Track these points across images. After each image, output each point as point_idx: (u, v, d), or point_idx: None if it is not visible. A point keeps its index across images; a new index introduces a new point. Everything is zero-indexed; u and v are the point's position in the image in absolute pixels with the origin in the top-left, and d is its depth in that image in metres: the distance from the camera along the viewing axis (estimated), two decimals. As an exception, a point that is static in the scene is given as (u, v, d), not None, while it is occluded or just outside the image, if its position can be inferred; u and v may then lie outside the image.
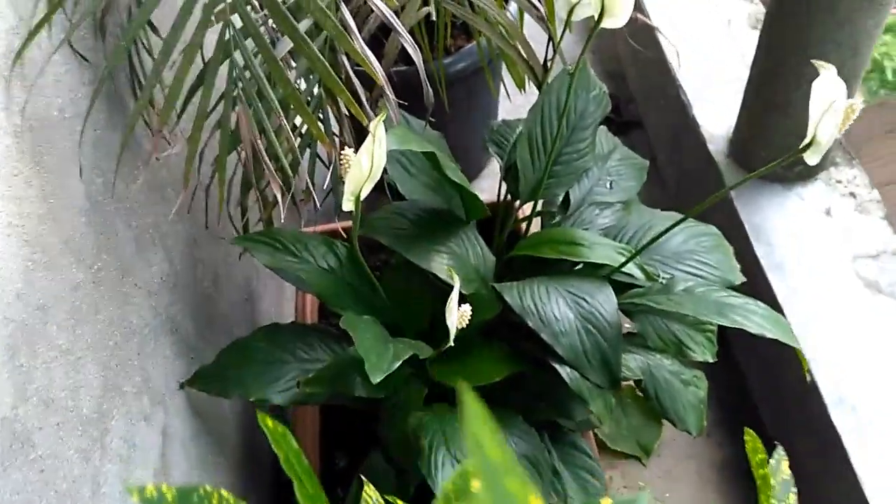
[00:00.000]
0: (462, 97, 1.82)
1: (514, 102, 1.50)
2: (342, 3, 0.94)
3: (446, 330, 0.90)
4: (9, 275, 0.70)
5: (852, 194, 1.58)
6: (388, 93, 0.93)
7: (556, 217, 1.17)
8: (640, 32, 2.03)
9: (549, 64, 1.11)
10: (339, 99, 0.97)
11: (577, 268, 1.10)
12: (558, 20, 1.15)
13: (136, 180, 0.97)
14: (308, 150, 0.98)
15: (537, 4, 1.01)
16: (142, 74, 0.99)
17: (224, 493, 0.62)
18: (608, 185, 1.21)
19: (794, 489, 0.78)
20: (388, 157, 0.83)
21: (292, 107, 0.89)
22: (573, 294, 0.99)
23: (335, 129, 1.00)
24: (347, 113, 0.97)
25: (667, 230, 0.96)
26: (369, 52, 0.85)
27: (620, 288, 1.04)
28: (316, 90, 0.96)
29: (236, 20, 0.82)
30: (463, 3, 1.13)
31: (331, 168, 1.02)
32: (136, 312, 0.98)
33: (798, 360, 1.02)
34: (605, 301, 0.99)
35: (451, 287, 0.88)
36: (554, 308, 0.97)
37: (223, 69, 0.86)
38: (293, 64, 0.99)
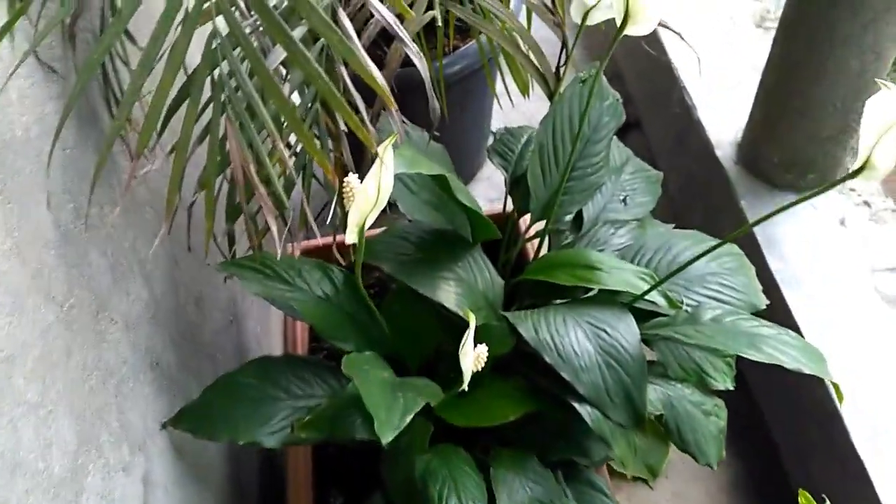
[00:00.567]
0: (455, 100, 1.73)
1: (507, 106, 1.42)
2: (339, 8, 0.86)
3: (452, 361, 0.82)
4: (-36, 328, 0.61)
5: (867, 203, 1.51)
6: (392, 108, 0.85)
7: (567, 236, 1.09)
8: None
9: (561, 72, 1.03)
10: (337, 114, 0.88)
11: (592, 293, 1.02)
12: (569, 25, 1.07)
13: (113, 208, 0.88)
14: (304, 170, 0.89)
15: (551, 8, 0.92)
16: (116, 84, 0.89)
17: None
18: (622, 201, 1.13)
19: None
20: (386, 172, 0.73)
21: (285, 124, 0.80)
22: (592, 325, 0.91)
23: (331, 142, 0.91)
24: (346, 129, 0.88)
25: (698, 257, 0.88)
26: (372, 65, 0.76)
27: (641, 316, 0.96)
28: (309, 104, 0.87)
29: (223, 28, 0.73)
30: (468, 6, 1.05)
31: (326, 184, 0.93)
32: (113, 350, 0.88)
33: (815, 377, 0.95)
34: (626, 332, 0.91)
35: (458, 314, 0.80)
36: (573, 341, 0.89)
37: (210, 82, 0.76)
38: (281, 72, 0.90)
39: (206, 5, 0.68)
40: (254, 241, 0.83)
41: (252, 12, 0.78)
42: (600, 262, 0.97)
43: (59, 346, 0.76)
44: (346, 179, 0.69)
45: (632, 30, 0.87)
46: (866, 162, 0.75)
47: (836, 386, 0.92)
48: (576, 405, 0.89)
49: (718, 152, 1.61)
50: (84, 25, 0.87)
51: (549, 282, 0.97)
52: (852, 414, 1.26)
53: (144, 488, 0.92)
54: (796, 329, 1.36)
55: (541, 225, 1.10)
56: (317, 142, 0.88)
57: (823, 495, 0.76)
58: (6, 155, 0.71)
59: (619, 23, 0.88)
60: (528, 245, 1.19)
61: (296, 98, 0.89)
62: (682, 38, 1.09)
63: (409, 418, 0.72)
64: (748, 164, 1.56)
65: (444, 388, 0.94)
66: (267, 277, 0.95)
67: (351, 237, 0.73)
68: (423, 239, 1.00)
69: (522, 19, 1.11)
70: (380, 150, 0.69)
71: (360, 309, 0.98)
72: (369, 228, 0.76)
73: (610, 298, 0.96)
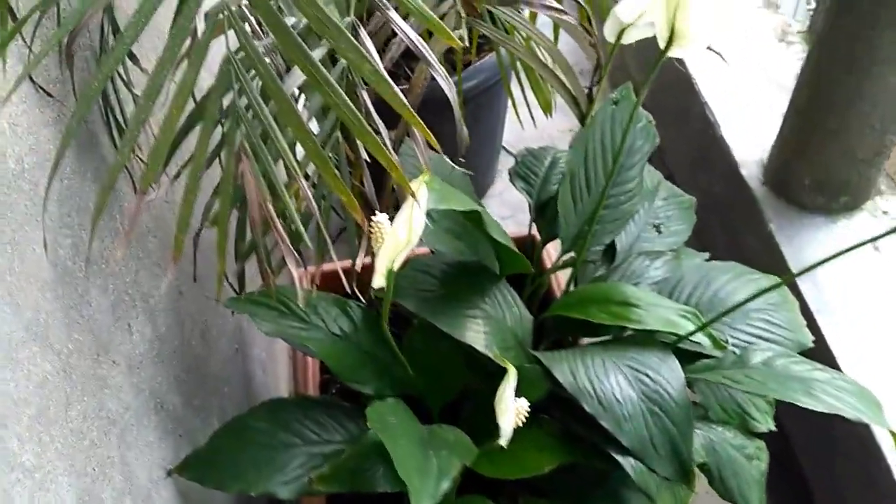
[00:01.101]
0: (468, 115, 1.66)
1: (515, 122, 1.35)
2: (360, 27, 0.79)
3: (478, 402, 0.75)
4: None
5: (901, 226, 1.44)
6: (417, 135, 0.78)
7: (599, 267, 1.02)
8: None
9: (593, 93, 0.96)
10: (358, 141, 0.81)
11: (629, 332, 0.95)
12: (599, 41, 1.01)
13: (115, 239, 0.81)
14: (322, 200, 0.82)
15: (587, 28, 0.85)
16: (117, 105, 0.82)
17: None
18: (656, 229, 1.06)
19: None
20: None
21: (304, 154, 0.73)
22: (634, 369, 0.84)
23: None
24: (368, 158, 0.81)
25: (750, 299, 0.81)
26: (398, 91, 0.70)
27: (683, 356, 0.89)
28: (329, 131, 0.80)
29: (236, 46, 0.66)
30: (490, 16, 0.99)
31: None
32: (115, 396, 0.81)
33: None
34: (671, 376, 0.84)
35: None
36: (613, 387, 0.82)
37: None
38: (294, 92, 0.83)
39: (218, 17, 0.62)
40: (269, 281, 0.76)
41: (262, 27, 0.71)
42: (638, 299, 0.90)
43: (57, 398, 0.69)
44: (374, 220, 0.62)
45: (677, 52, 0.81)
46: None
47: (894, 435, 0.86)
48: (617, 457, 0.82)
49: (744, 172, 1.55)
50: (83, 42, 0.80)
51: (582, 319, 0.90)
52: (879, 431, 1.19)
53: (149, 545, 0.85)
54: (831, 359, 1.29)
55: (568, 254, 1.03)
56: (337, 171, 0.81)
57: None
58: (-1, 191, 0.64)
59: (662, 44, 0.82)
60: (552, 278, 1.12)
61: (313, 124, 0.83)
62: (713, 51, 1.02)
63: (446, 485, 0.65)
64: (776, 185, 1.50)
65: (470, 431, 0.87)
66: (281, 315, 0.89)
67: (379, 281, 0.66)
68: (447, 272, 0.93)
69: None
70: (413, 186, 0.62)
71: (380, 347, 0.91)
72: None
73: (650, 338, 0.89)
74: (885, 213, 1.46)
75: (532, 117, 1.18)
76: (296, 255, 0.65)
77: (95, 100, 0.81)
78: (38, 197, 0.69)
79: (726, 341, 0.91)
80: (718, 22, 0.81)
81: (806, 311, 1.34)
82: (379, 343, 0.91)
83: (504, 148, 2.14)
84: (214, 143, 0.76)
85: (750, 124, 1.62)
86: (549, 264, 1.20)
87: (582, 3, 0.85)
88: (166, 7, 0.63)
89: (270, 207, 0.64)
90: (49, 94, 0.73)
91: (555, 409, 0.89)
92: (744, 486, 0.98)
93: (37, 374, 0.66)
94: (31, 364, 0.65)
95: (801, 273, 0.77)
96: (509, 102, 1.76)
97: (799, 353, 0.93)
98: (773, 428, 0.99)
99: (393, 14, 0.66)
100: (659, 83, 1.99)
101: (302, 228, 0.74)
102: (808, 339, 0.98)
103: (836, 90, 1.28)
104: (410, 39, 0.75)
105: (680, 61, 1.79)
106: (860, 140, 1.30)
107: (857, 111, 1.28)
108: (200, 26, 0.65)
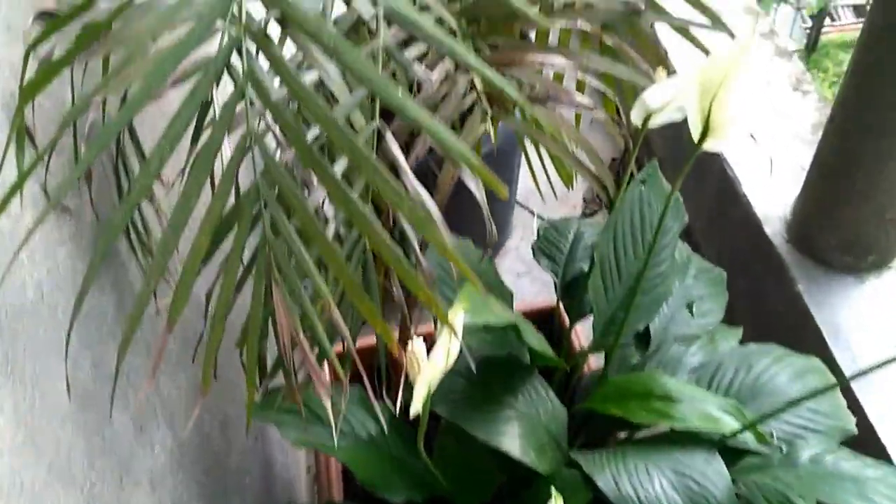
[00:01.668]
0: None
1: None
2: (386, 128, 0.76)
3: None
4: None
5: (930, 285, 1.41)
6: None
7: (634, 354, 0.99)
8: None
9: (621, 178, 0.94)
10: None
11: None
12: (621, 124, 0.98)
13: (141, 382, 0.78)
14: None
15: (619, 121, 0.83)
16: (139, 217, 0.80)
17: None
18: (689, 309, 1.03)
19: None
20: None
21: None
22: (678, 473, 0.80)
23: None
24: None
25: (803, 398, 0.78)
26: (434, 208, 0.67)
27: (727, 452, 0.86)
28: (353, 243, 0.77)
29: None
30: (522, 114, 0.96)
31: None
32: (138, 520, 0.78)
33: None
34: (717, 479, 0.81)
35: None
36: (658, 494, 0.79)
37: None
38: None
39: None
40: (296, 399, 0.73)
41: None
42: (678, 392, 0.87)
43: (80, 540, 0.65)
44: (409, 349, 0.59)
45: (712, 145, 0.78)
46: None
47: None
48: (664, 569, 0.78)
49: (767, 229, 1.51)
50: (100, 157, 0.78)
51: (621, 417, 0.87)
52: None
53: None
54: (870, 428, 1.25)
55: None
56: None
57: None
58: (18, 324, 0.61)
59: (696, 136, 0.79)
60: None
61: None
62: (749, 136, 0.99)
63: None
64: (800, 243, 1.46)
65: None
66: (307, 422, 0.85)
67: (417, 408, 0.63)
68: (476, 370, 0.90)
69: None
70: (450, 314, 0.59)
71: (409, 453, 0.87)
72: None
73: (693, 435, 0.86)
74: (913, 270, 1.43)
75: (552, 187, 1.16)
76: (328, 385, 0.61)
77: (108, 199, 0.78)
78: (56, 322, 0.66)
79: (772, 434, 0.87)
80: (754, 109, 0.78)
81: (844, 381, 1.30)
82: (408, 448, 0.87)
83: (518, 202, 2.11)
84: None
85: (772, 180, 1.59)
86: (577, 345, 1.16)
87: (610, 96, 0.83)
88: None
89: (303, 339, 0.61)
90: (65, 209, 0.71)
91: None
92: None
93: (60, 518, 0.62)
94: (52, 507, 0.62)
95: (854, 377, 0.74)
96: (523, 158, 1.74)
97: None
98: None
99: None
100: (672, 136, 1.97)
101: (328, 346, 0.71)
102: (851, 424, 0.94)
103: (865, 153, 1.25)
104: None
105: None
106: (890, 201, 1.27)
107: (888, 173, 1.24)
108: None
